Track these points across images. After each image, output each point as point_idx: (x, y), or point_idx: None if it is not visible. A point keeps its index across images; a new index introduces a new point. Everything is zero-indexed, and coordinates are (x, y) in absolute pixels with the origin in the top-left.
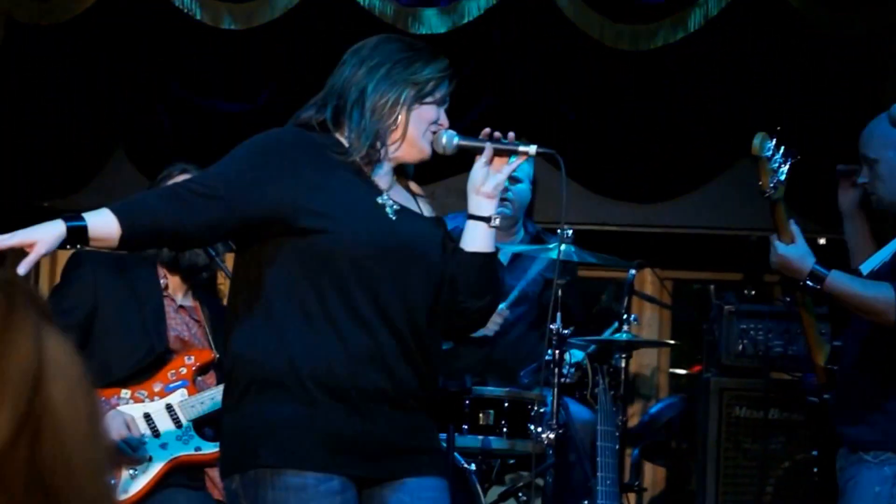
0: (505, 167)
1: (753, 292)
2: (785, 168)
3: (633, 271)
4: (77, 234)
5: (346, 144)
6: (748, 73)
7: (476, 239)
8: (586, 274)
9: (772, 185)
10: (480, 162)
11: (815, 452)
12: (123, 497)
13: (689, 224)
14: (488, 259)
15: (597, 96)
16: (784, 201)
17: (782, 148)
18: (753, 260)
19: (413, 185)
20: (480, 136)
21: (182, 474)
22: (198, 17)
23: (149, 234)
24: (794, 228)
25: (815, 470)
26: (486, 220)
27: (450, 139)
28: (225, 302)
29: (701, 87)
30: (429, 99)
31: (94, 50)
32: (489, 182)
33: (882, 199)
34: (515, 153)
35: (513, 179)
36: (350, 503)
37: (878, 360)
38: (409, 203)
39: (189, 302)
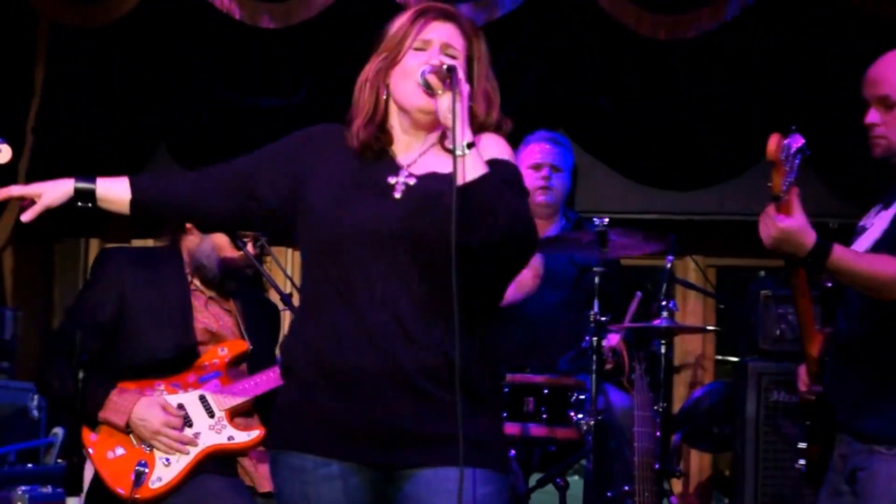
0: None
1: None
2: (796, 164)
3: (671, 258)
4: (85, 195)
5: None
6: (791, 56)
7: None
8: (628, 262)
9: (785, 187)
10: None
11: None
12: (157, 485)
13: (732, 211)
14: (462, 191)
15: (635, 85)
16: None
17: (793, 147)
18: None
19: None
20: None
21: (214, 462)
22: (237, 17)
23: (160, 206)
24: (797, 203)
25: None
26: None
27: (422, 73)
28: (267, 294)
29: (743, 73)
30: (402, 55)
31: (135, 51)
32: (441, 112)
33: (893, 145)
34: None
35: (555, 169)
36: (354, 490)
37: (880, 346)
38: (440, 167)
39: (222, 294)
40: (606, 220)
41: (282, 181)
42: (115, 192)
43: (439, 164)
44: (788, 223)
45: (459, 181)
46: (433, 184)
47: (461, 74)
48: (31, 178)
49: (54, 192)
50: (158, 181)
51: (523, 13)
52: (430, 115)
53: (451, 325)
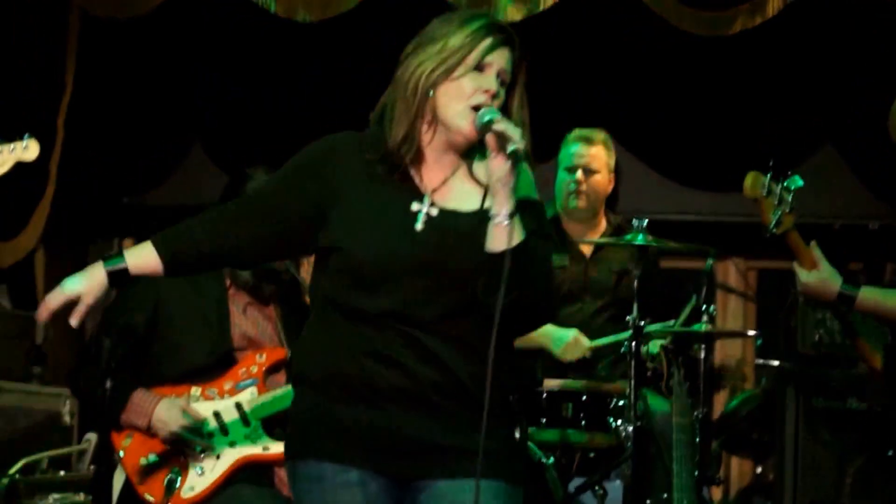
0: (503, 164)
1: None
2: (789, 198)
3: (710, 260)
4: (119, 276)
5: (384, 141)
6: (833, 55)
7: (490, 239)
8: (668, 265)
9: (774, 222)
10: (491, 154)
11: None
12: (189, 494)
13: None
14: (499, 258)
15: (675, 85)
16: (796, 228)
17: (782, 179)
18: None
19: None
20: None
21: (249, 472)
22: (272, 10)
23: (191, 260)
24: (816, 252)
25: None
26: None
27: (480, 118)
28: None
29: (785, 72)
30: (458, 70)
31: (170, 44)
32: (492, 177)
33: None
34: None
35: (589, 172)
36: (373, 497)
37: None
38: (465, 199)
39: (261, 299)
40: (646, 221)
41: (306, 206)
42: (145, 263)
43: (463, 195)
44: (807, 280)
45: (499, 248)
46: (454, 221)
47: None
48: (62, 174)
49: (91, 288)
50: (182, 238)
51: (565, 8)
52: (468, 140)
53: (466, 345)
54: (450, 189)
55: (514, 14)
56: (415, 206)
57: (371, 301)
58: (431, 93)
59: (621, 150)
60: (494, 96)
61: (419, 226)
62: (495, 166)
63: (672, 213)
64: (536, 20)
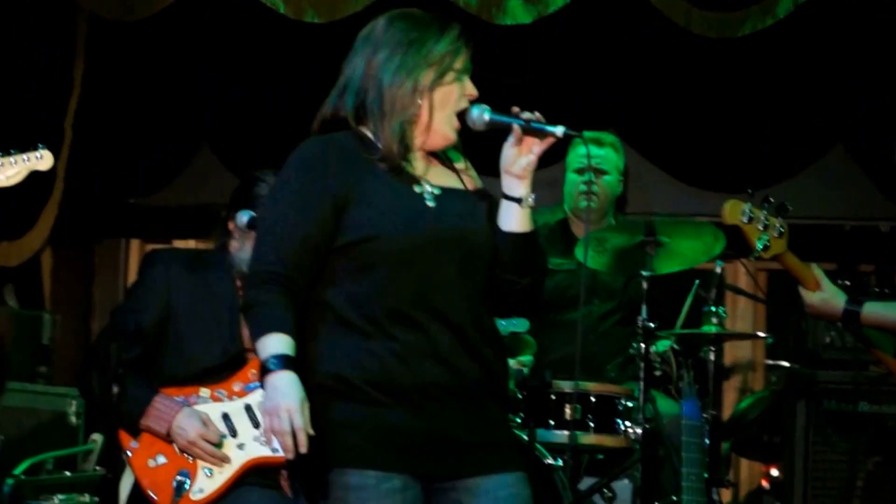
0: (535, 147)
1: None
2: (777, 222)
3: (720, 262)
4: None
5: (374, 142)
6: (843, 56)
7: (511, 219)
8: None
9: (760, 247)
10: (509, 142)
11: None
12: (198, 497)
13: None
14: (523, 238)
15: (685, 85)
16: (791, 251)
17: (765, 206)
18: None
19: (458, 163)
20: (511, 115)
21: (256, 474)
22: (281, 11)
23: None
24: (817, 272)
25: None
26: (518, 200)
27: (480, 114)
28: None
29: (795, 73)
30: (448, 76)
31: (177, 45)
32: (519, 163)
33: None
34: (543, 134)
35: (599, 172)
36: (412, 502)
37: None
38: (450, 180)
39: None
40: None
41: (330, 220)
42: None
43: (446, 177)
44: (811, 301)
45: (522, 230)
46: (456, 197)
47: None
48: (69, 175)
49: (304, 406)
50: (289, 320)
51: (573, 10)
52: (447, 144)
53: (489, 335)
54: (435, 173)
55: (523, 16)
56: (417, 189)
57: (408, 290)
58: (421, 100)
59: (631, 152)
60: (476, 99)
61: (431, 203)
62: (523, 152)
63: (682, 213)
64: (544, 22)
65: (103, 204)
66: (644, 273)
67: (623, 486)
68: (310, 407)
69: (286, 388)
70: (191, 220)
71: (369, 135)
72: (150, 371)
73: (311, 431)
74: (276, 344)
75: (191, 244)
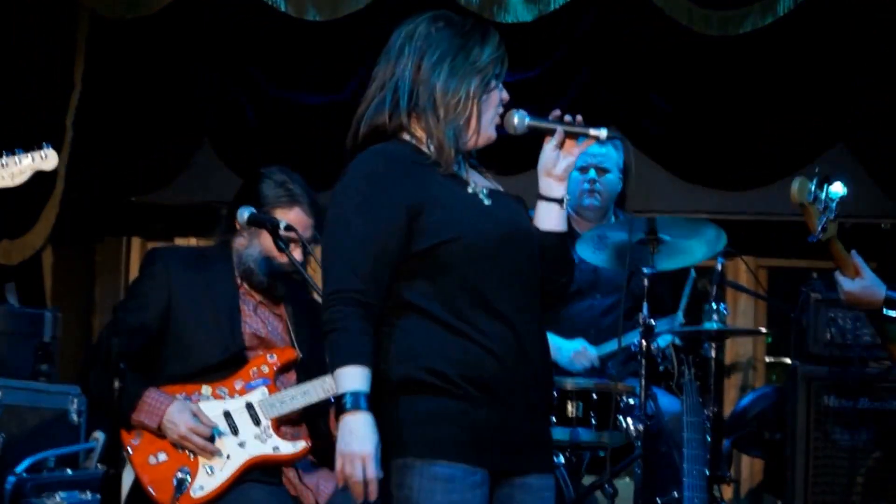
0: (575, 149)
1: None
2: (833, 206)
3: (721, 259)
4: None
5: (426, 148)
6: (844, 54)
7: (550, 219)
8: None
9: (819, 228)
10: (551, 144)
11: None
12: (199, 494)
13: (783, 211)
14: (561, 238)
15: (686, 83)
16: (838, 238)
17: (826, 187)
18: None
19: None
20: (550, 118)
21: (258, 471)
22: (282, 9)
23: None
24: (857, 260)
25: None
26: (558, 201)
27: (521, 119)
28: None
29: (796, 71)
30: (493, 83)
31: (178, 44)
32: (560, 164)
33: None
34: (585, 136)
35: (601, 170)
36: (486, 496)
37: None
38: (485, 181)
39: (272, 299)
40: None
41: (405, 230)
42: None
43: (482, 179)
44: (851, 288)
45: (558, 229)
46: (501, 196)
47: None
48: (70, 172)
49: (378, 453)
50: (367, 347)
51: (575, 8)
52: (487, 144)
53: (544, 331)
54: (473, 174)
55: (525, 14)
56: (471, 190)
57: (492, 285)
58: (471, 105)
59: (632, 149)
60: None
61: (487, 202)
62: (564, 155)
63: (683, 211)
64: (546, 20)
65: (104, 202)
66: (645, 270)
67: (624, 484)
68: (392, 399)
69: (363, 433)
70: (192, 217)
71: (417, 139)
72: (150, 368)
73: (381, 475)
74: (353, 379)
75: (192, 242)
